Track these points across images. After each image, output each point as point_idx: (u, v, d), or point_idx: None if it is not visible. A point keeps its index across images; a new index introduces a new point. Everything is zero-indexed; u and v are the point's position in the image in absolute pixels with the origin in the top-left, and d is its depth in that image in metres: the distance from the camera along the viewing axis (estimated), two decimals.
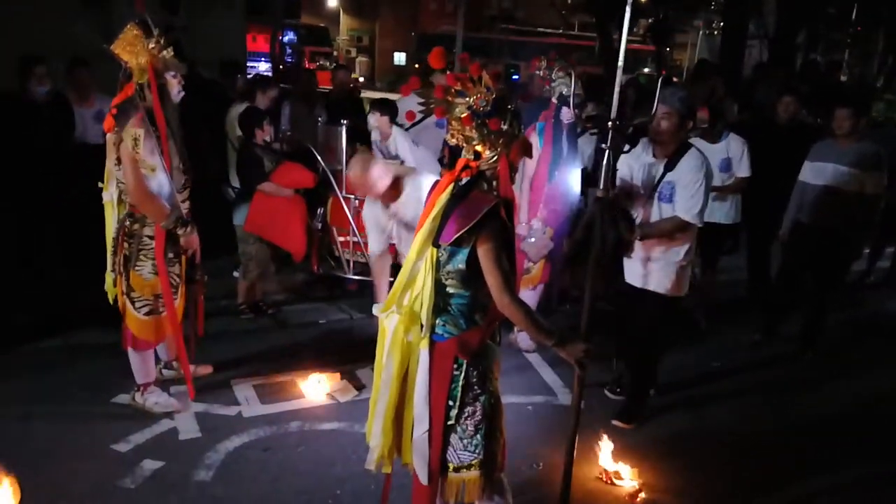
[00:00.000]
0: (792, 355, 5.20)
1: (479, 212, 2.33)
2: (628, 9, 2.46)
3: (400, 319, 2.48)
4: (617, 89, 2.62)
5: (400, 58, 37.25)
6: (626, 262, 3.94)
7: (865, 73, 21.50)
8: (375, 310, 2.61)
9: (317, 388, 4.25)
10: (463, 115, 2.37)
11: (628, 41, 2.69)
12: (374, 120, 5.62)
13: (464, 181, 2.46)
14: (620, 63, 2.53)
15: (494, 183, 2.44)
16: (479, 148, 2.41)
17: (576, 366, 2.61)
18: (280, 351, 4.81)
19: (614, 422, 4.02)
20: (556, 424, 3.88)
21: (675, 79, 17.87)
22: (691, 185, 3.66)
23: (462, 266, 2.38)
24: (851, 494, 3.58)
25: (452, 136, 2.47)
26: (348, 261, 5.91)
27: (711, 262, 5.79)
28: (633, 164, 3.88)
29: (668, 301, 3.87)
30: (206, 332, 4.33)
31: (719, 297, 6.00)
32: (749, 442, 4.00)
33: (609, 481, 3.49)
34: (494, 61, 23.63)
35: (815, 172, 4.98)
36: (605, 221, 2.71)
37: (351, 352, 4.66)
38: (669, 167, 3.74)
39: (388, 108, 5.74)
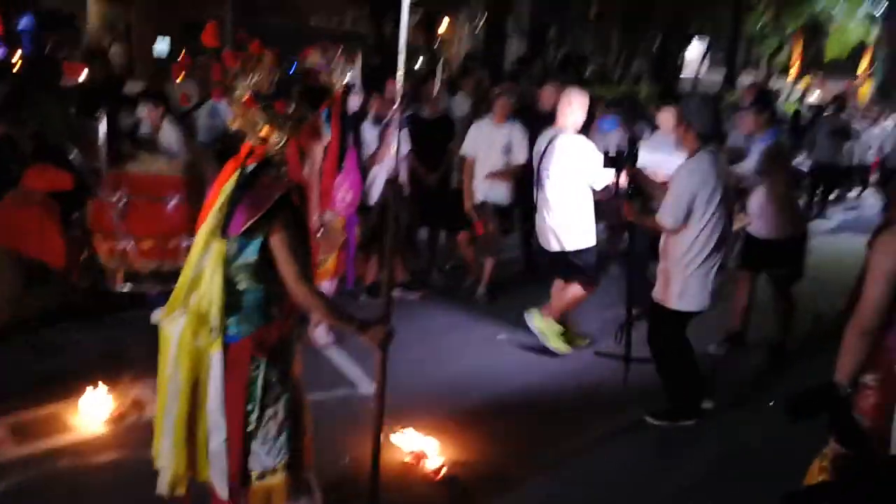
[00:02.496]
0: None
1: (270, 199, 2.18)
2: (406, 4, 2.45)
3: (186, 323, 2.26)
4: (400, 81, 2.59)
5: (161, 46, 34.62)
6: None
7: (605, 65, 24.04)
8: (155, 316, 2.35)
9: (88, 416, 3.76)
10: (245, 98, 2.20)
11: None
12: (146, 112, 5.14)
13: (250, 168, 2.29)
14: (402, 54, 2.51)
15: (283, 168, 2.30)
16: (264, 132, 2.26)
17: (378, 349, 2.56)
18: (40, 379, 4.17)
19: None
20: (360, 416, 3.79)
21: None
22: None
23: (254, 258, 2.22)
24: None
25: (235, 119, 2.29)
26: (115, 270, 5.31)
27: None
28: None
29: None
30: None
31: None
32: (548, 407, 4.26)
33: (416, 461, 3.51)
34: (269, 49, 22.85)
35: None
36: (398, 205, 2.68)
37: (125, 370, 4.18)
38: None
39: (161, 100, 5.28)
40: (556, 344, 4.93)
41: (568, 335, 4.99)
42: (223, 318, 2.24)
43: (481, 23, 20.47)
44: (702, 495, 3.53)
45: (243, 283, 2.26)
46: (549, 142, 4.70)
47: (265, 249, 2.22)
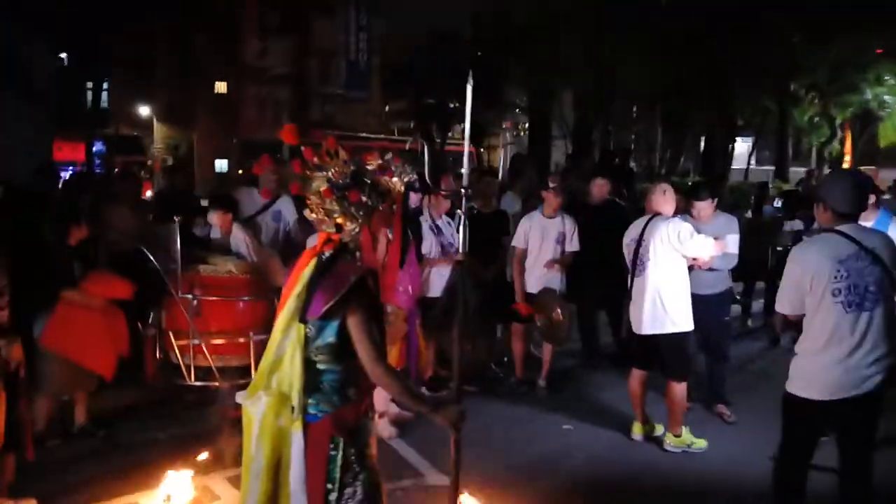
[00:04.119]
0: None
1: (347, 282, 2.32)
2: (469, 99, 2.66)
3: (269, 403, 2.36)
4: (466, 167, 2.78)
5: (221, 165, 36.60)
6: None
7: (650, 162, 24.45)
8: (239, 397, 2.46)
9: None
10: (323, 189, 2.39)
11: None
12: (216, 218, 5.47)
13: (326, 254, 2.45)
14: (467, 142, 2.71)
15: (358, 254, 2.45)
16: (339, 220, 2.43)
17: (452, 430, 2.60)
18: (120, 472, 4.30)
19: None
20: None
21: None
22: None
23: (332, 340, 2.33)
24: None
25: (312, 210, 2.47)
26: (188, 366, 5.52)
27: None
28: None
29: None
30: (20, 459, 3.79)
31: None
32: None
33: None
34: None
35: None
36: (467, 285, 2.79)
37: (200, 462, 4.29)
38: None
39: (229, 205, 5.62)
40: (699, 444, 4.87)
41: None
42: (303, 398, 2.34)
43: (526, 125, 21.28)
44: None
45: (322, 364, 2.37)
46: (645, 227, 4.77)
47: (343, 331, 2.33)
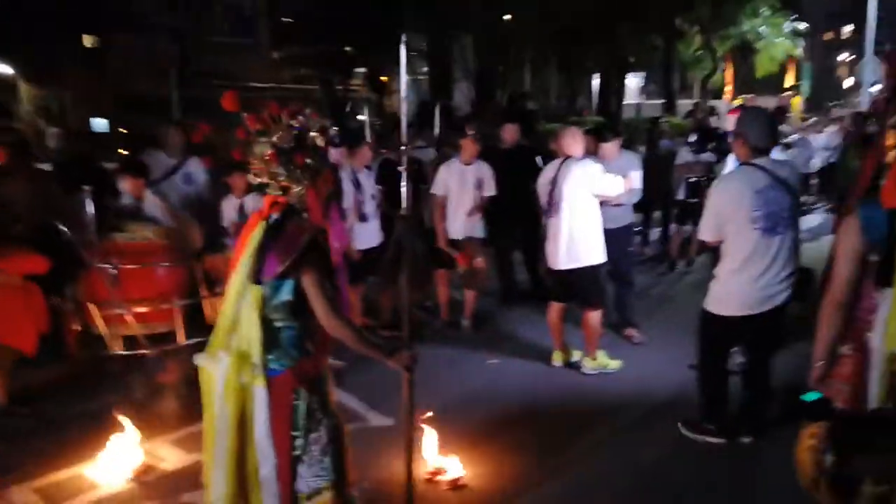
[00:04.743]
0: None
1: (300, 244, 2.43)
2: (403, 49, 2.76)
3: (230, 363, 2.47)
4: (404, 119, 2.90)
5: (99, 124, 34.41)
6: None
7: (547, 103, 25.04)
8: (198, 359, 2.56)
9: (111, 474, 3.88)
10: (268, 154, 2.46)
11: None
12: (128, 183, 5.33)
13: (274, 217, 2.54)
14: (403, 94, 2.81)
15: (305, 215, 2.56)
16: (285, 184, 2.52)
17: (404, 371, 2.80)
18: (54, 447, 4.27)
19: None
20: (369, 446, 3.99)
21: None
22: None
23: (289, 297, 2.46)
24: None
25: (256, 174, 2.54)
26: (112, 336, 5.43)
27: None
28: None
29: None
30: None
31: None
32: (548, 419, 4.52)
33: (434, 477, 3.74)
34: (206, 119, 23.22)
35: None
36: (412, 236, 2.95)
37: (138, 429, 4.31)
38: None
39: (140, 170, 5.48)
40: (613, 364, 5.27)
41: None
42: (264, 355, 2.46)
43: (425, 69, 21.22)
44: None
45: (279, 322, 2.49)
46: (558, 169, 5.02)
47: (298, 289, 2.46)
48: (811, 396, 2.29)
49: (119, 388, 5.18)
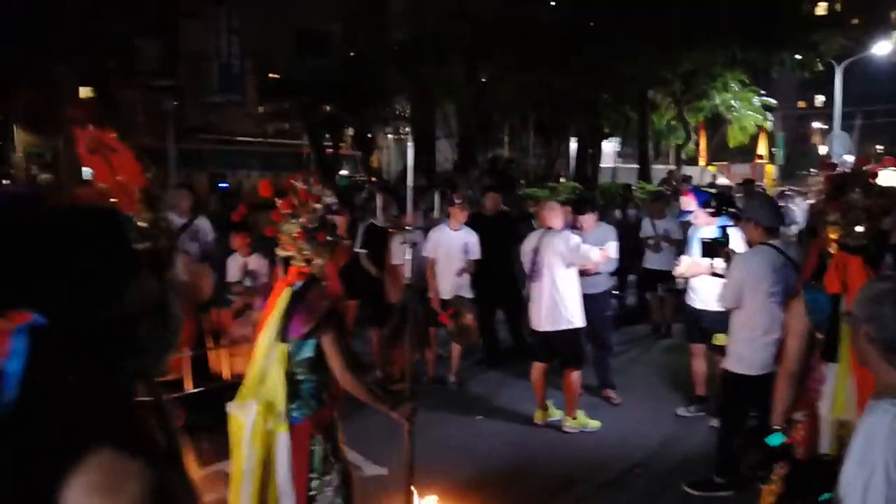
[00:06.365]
0: None
1: (321, 308, 2.84)
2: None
3: (258, 411, 2.83)
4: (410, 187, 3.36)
5: (90, 172, 34.59)
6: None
7: (526, 167, 25.79)
8: (230, 407, 2.92)
9: None
10: (296, 233, 2.89)
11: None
12: None
13: (298, 285, 2.95)
14: (410, 164, 3.28)
15: (324, 284, 2.97)
16: (310, 256, 2.94)
17: (407, 423, 3.17)
18: None
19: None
20: (371, 492, 4.23)
21: (373, 178, 19.83)
22: None
23: (310, 355, 2.85)
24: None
25: (285, 248, 2.96)
26: None
27: None
28: None
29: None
30: None
31: None
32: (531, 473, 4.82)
33: None
34: (200, 171, 23.68)
35: None
36: (417, 302, 3.36)
37: None
38: None
39: None
40: (593, 424, 5.63)
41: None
42: (287, 404, 2.84)
43: (408, 130, 21.96)
44: None
45: (301, 375, 2.87)
46: (540, 239, 5.50)
47: (318, 347, 2.85)
48: (774, 440, 2.76)
49: None
